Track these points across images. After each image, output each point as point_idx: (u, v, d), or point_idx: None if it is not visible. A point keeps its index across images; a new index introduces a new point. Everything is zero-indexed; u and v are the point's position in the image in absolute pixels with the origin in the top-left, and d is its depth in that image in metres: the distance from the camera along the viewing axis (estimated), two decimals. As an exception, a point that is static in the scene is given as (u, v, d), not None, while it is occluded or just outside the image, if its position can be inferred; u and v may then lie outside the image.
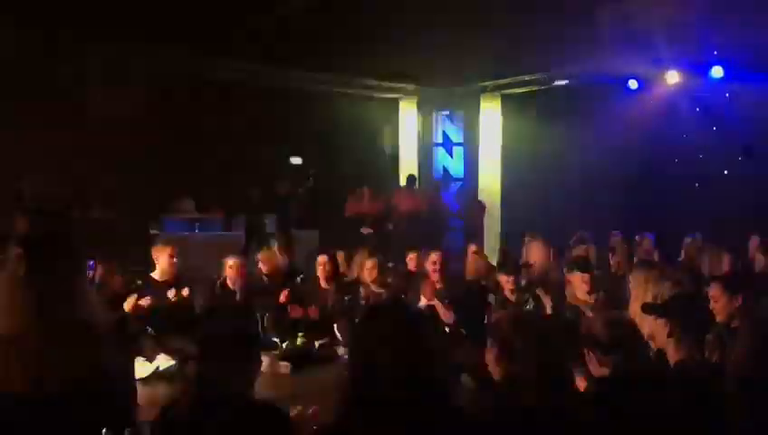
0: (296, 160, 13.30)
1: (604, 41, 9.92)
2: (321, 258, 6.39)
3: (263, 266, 6.37)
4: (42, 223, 1.95)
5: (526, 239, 7.38)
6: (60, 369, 1.85)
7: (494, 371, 2.34)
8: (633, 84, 10.71)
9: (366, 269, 6.22)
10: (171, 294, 5.43)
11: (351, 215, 10.94)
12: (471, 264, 7.20)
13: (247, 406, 2.33)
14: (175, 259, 5.60)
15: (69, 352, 1.87)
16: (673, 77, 10.15)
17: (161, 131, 10.26)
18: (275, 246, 6.56)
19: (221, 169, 11.04)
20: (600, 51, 10.13)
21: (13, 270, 1.86)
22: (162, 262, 5.60)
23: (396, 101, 12.84)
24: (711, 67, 9.70)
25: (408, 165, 12.83)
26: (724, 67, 9.59)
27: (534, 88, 11.66)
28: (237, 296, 5.95)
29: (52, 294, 1.88)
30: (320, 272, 6.35)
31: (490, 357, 2.35)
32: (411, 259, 7.00)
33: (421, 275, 6.31)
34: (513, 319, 2.48)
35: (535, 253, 6.63)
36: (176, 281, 5.64)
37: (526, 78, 11.55)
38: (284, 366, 5.56)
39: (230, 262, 6.07)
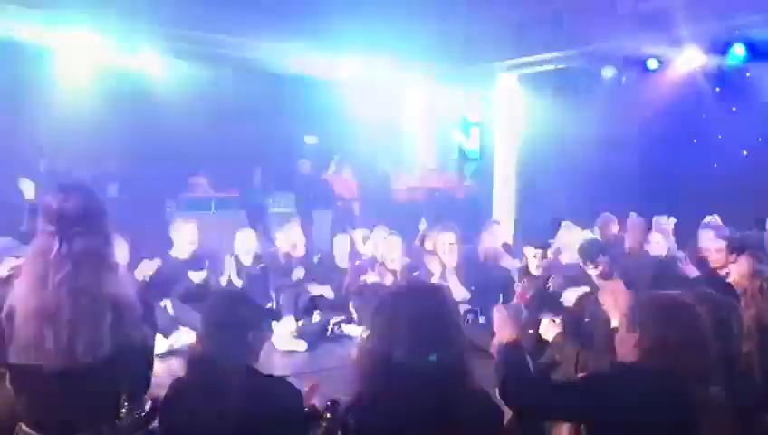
0: (311, 140, 13.35)
1: (624, 19, 9.82)
2: (340, 237, 6.42)
3: (280, 246, 6.40)
4: (71, 198, 1.96)
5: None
6: (92, 340, 1.90)
7: (628, 352, 2.17)
8: (653, 64, 10.58)
9: (387, 247, 6.22)
10: (196, 278, 5.50)
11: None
12: (489, 243, 7.16)
13: (257, 380, 2.35)
14: (193, 238, 5.66)
15: (100, 325, 1.92)
16: (693, 56, 9.99)
17: (179, 109, 10.33)
18: (292, 225, 6.56)
19: (236, 148, 11.16)
20: (619, 29, 10.02)
21: (44, 245, 1.90)
22: (180, 240, 5.65)
23: (413, 80, 12.73)
24: (732, 46, 9.56)
25: (425, 144, 12.76)
26: (745, 46, 9.44)
27: (552, 67, 11.53)
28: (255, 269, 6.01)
29: (84, 268, 1.92)
30: (337, 251, 6.38)
31: (629, 339, 2.17)
32: (427, 238, 7.02)
33: (435, 253, 6.33)
34: (660, 306, 2.21)
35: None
36: (193, 259, 5.70)
37: (544, 57, 11.41)
38: (300, 344, 5.62)
39: (248, 232, 6.15)
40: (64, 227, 1.88)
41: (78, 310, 1.86)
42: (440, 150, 12.91)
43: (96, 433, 1.95)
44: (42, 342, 1.82)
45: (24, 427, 1.94)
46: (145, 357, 2.18)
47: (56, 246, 1.85)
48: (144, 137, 9.95)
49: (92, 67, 9.10)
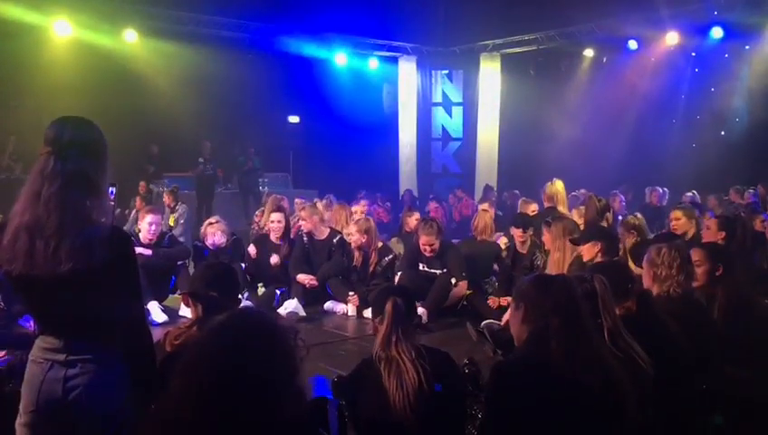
0: (294, 120, 13.35)
1: (605, 1, 10.03)
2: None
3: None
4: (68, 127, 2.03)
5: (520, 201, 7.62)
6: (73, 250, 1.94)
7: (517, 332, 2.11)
8: (633, 45, 10.83)
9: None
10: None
11: None
12: (480, 220, 7.27)
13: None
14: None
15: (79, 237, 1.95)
16: (673, 38, 10.26)
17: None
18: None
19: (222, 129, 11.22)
20: (600, 11, 10.25)
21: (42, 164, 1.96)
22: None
23: (396, 60, 12.82)
24: (711, 28, 9.83)
25: (408, 124, 12.90)
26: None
27: (534, 48, 11.71)
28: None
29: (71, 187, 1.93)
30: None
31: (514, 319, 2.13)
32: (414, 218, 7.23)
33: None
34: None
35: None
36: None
37: (526, 38, 11.59)
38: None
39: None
40: (59, 149, 1.95)
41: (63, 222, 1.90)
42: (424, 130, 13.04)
43: (93, 345, 1.92)
44: (33, 250, 1.88)
45: (38, 342, 2.00)
46: (130, 283, 2.00)
47: (51, 165, 1.92)
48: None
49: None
